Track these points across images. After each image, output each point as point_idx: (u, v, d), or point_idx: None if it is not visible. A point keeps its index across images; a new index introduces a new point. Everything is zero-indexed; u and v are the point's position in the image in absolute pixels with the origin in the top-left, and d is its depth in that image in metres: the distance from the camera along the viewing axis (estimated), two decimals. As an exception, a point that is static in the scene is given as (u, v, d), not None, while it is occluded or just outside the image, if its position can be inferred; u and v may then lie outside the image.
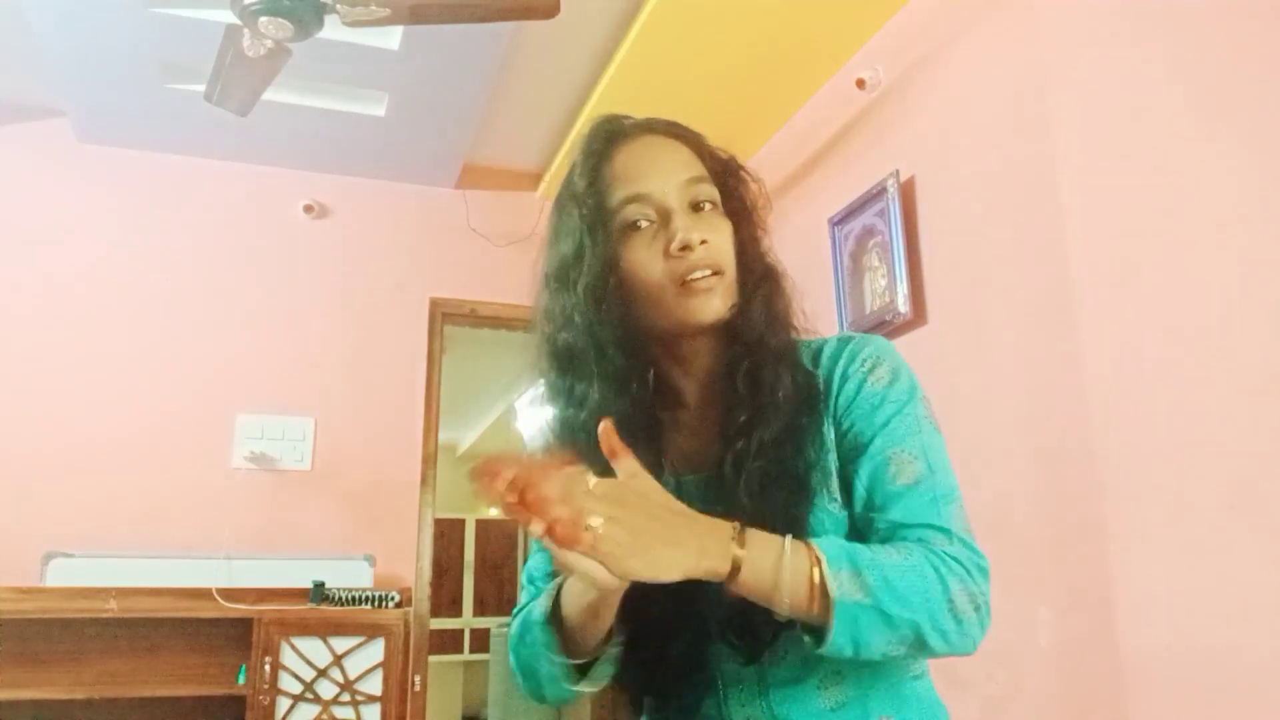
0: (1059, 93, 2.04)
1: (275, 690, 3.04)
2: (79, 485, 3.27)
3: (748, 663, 0.85)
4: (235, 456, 3.46)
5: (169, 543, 3.29)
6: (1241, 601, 1.57)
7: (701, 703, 0.89)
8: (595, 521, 0.69)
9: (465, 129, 3.51)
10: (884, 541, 0.83)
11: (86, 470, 3.29)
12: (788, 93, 3.10)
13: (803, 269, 3.54)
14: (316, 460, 3.55)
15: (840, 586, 0.74)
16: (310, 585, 3.22)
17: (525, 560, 1.07)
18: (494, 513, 8.19)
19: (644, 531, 0.71)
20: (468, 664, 7.47)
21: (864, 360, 0.90)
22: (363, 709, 3.13)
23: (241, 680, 3.06)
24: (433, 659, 3.64)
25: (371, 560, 3.46)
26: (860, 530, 0.86)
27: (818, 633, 0.76)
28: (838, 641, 0.74)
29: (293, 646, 3.10)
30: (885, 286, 2.58)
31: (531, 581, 0.97)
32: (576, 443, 0.88)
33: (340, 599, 3.23)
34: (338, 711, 3.10)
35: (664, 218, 0.89)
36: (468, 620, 7.57)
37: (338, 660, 3.14)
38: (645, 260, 0.88)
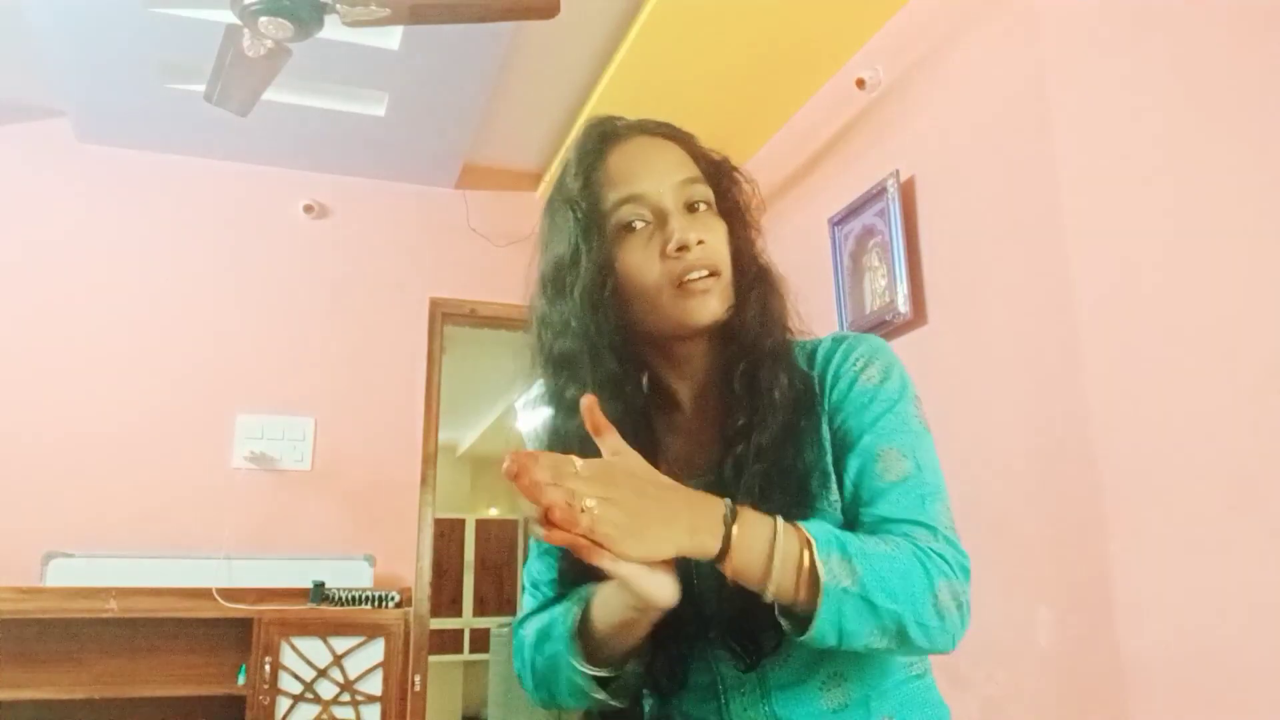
0: (1059, 93, 2.04)
1: (275, 690, 3.04)
2: (79, 485, 3.27)
3: (748, 669, 0.84)
4: (235, 456, 3.46)
5: (169, 543, 3.29)
6: (1241, 601, 1.57)
7: (703, 706, 0.89)
8: (589, 503, 0.68)
9: (465, 129, 3.51)
10: (870, 535, 0.82)
11: (86, 470, 3.29)
12: (788, 93, 3.10)
13: (803, 269, 3.53)
14: (316, 460, 3.55)
15: (830, 571, 0.73)
16: (310, 585, 3.22)
17: (525, 560, 1.06)
18: (494, 512, 8.19)
19: (638, 511, 0.70)
20: (468, 664, 7.47)
21: (857, 359, 0.90)
22: (363, 709, 3.13)
23: (241, 680, 3.06)
24: (433, 659, 3.64)
25: (371, 560, 3.46)
26: (846, 526, 0.86)
27: (798, 619, 0.75)
28: (821, 628, 0.73)
29: (293, 646, 3.11)
30: (885, 286, 2.58)
31: (535, 586, 0.97)
32: (570, 449, 0.88)
33: (340, 599, 3.23)
34: (338, 711, 3.10)
35: (660, 218, 0.88)
36: (468, 620, 7.57)
37: (338, 660, 3.14)
38: (641, 261, 0.87)
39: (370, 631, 3.19)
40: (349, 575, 3.38)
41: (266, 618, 3.09)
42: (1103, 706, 1.81)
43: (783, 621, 0.76)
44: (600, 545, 0.68)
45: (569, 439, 0.88)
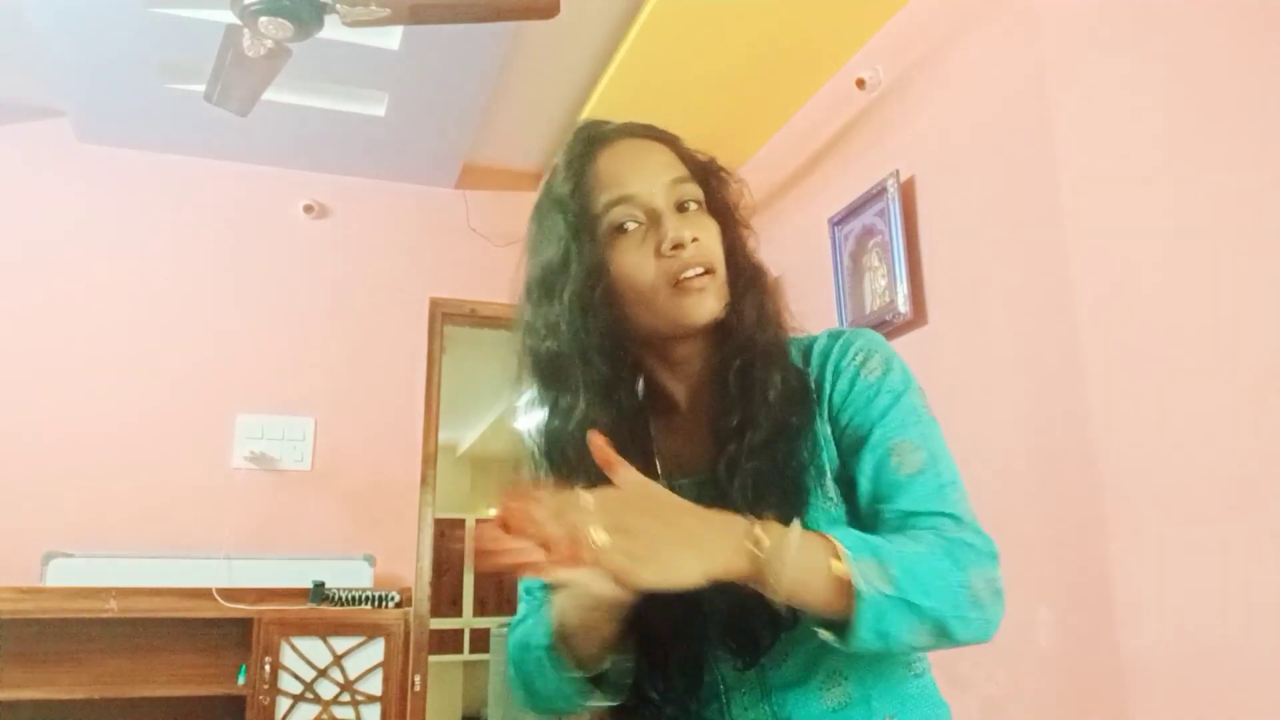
0: (1059, 93, 2.04)
1: (275, 690, 3.04)
2: (79, 485, 3.27)
3: (746, 667, 0.84)
4: (235, 456, 3.46)
5: (169, 543, 3.29)
6: (1241, 601, 1.57)
7: (704, 706, 0.88)
8: (599, 536, 0.67)
9: (465, 129, 3.51)
10: (895, 531, 0.82)
11: (86, 470, 3.29)
12: (788, 93, 3.10)
13: (803, 269, 3.52)
14: (316, 460, 3.55)
15: (865, 577, 0.72)
16: (310, 585, 3.22)
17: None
18: (494, 513, 8.17)
19: (655, 537, 0.69)
20: (468, 664, 7.47)
21: (855, 353, 0.89)
22: (363, 709, 3.13)
23: (241, 680, 3.06)
24: (433, 659, 3.64)
25: (371, 560, 3.46)
26: (867, 523, 0.85)
27: (837, 627, 0.74)
28: (863, 635, 0.72)
29: (293, 646, 3.11)
30: (885, 286, 2.58)
31: (529, 592, 0.97)
32: (565, 456, 0.88)
33: (340, 599, 3.24)
34: (338, 711, 3.10)
35: (652, 218, 0.88)
36: (468, 620, 7.57)
37: (338, 660, 3.14)
38: (636, 262, 0.87)
39: (370, 631, 3.19)
40: (349, 575, 3.38)
41: (266, 618, 3.09)
42: (1103, 706, 1.81)
43: (822, 632, 0.75)
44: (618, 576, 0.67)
45: (564, 445, 0.88)
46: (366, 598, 3.26)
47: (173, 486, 3.36)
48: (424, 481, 3.64)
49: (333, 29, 2.33)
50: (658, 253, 0.86)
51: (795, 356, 0.93)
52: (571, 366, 0.88)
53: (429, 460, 3.67)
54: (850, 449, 0.87)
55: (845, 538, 0.75)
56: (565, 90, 3.36)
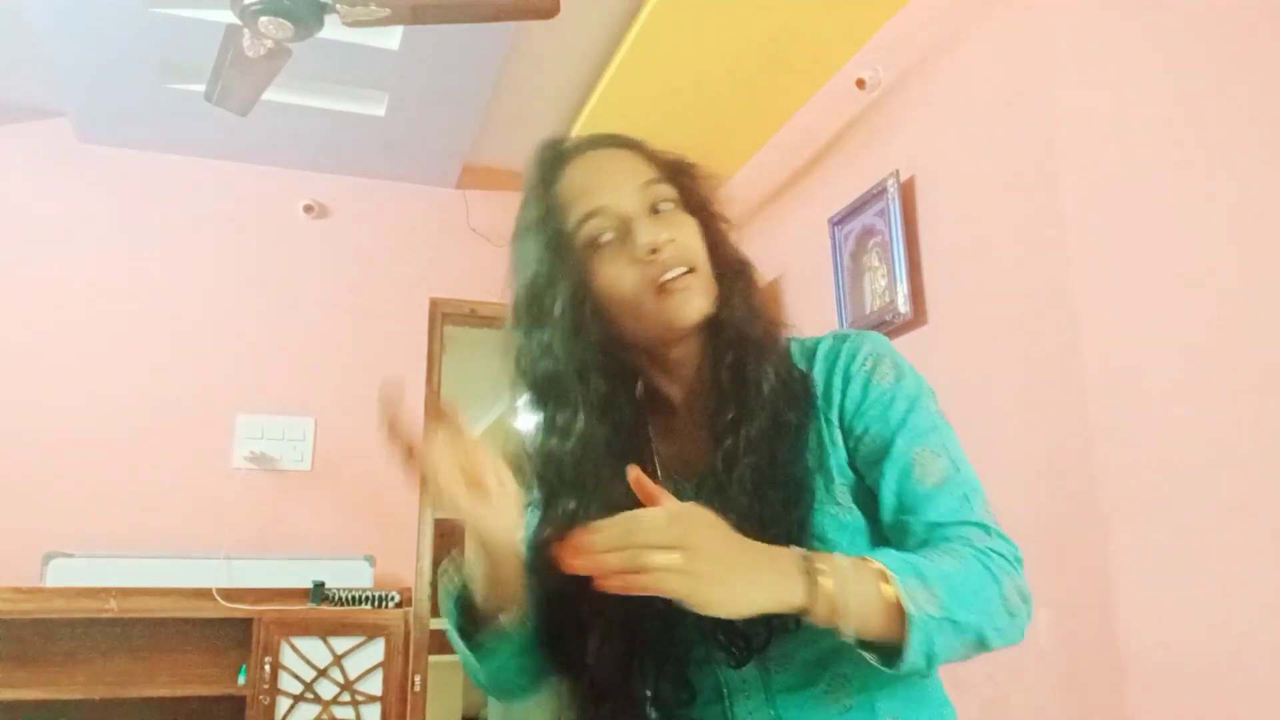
0: (1059, 93, 2.04)
1: (275, 690, 3.04)
2: (79, 485, 3.27)
3: (738, 666, 0.84)
4: (235, 456, 3.46)
5: (169, 543, 3.29)
6: (1241, 602, 1.57)
7: (708, 710, 0.87)
8: (667, 557, 0.66)
9: (465, 129, 3.51)
10: (922, 543, 0.82)
11: (86, 470, 3.29)
12: (788, 93, 3.10)
13: (803, 269, 3.51)
14: (316, 460, 3.55)
15: (914, 600, 0.71)
16: (310, 585, 3.22)
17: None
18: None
19: (723, 560, 0.69)
20: (468, 664, 7.46)
21: (865, 358, 0.88)
22: (363, 709, 3.13)
23: (241, 680, 3.06)
24: (433, 659, 3.63)
25: (371, 560, 3.46)
26: (891, 534, 0.85)
27: (879, 649, 0.74)
28: (913, 657, 0.72)
29: (293, 646, 3.10)
30: (885, 286, 2.58)
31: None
32: (562, 474, 0.87)
33: (340, 599, 3.23)
34: (338, 711, 3.10)
35: (625, 226, 0.86)
36: (468, 620, 7.56)
37: (338, 660, 3.14)
38: (617, 273, 0.86)
39: (370, 631, 3.19)
40: (349, 575, 3.38)
41: (266, 618, 3.09)
42: (1103, 706, 1.81)
43: (867, 655, 0.74)
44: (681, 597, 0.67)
45: (561, 463, 0.87)
46: (366, 598, 3.26)
47: (173, 486, 3.36)
48: (424, 481, 3.63)
49: (333, 29, 2.33)
50: (636, 260, 0.85)
51: (798, 357, 0.92)
52: (568, 384, 0.87)
53: (429, 460, 3.66)
54: (869, 458, 0.86)
55: (888, 560, 0.74)
56: (565, 90, 3.36)
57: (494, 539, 0.79)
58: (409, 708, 3.30)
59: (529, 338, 0.89)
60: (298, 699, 3.07)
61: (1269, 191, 1.57)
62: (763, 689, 0.86)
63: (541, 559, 0.84)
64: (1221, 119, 1.67)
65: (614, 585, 0.68)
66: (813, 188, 3.05)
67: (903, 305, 2.47)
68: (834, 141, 2.94)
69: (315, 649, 3.13)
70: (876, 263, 2.63)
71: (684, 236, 0.87)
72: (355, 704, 3.12)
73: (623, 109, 3.13)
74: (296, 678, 3.09)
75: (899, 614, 0.72)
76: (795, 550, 0.73)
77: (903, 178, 2.54)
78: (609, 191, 0.88)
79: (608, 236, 0.87)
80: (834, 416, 0.88)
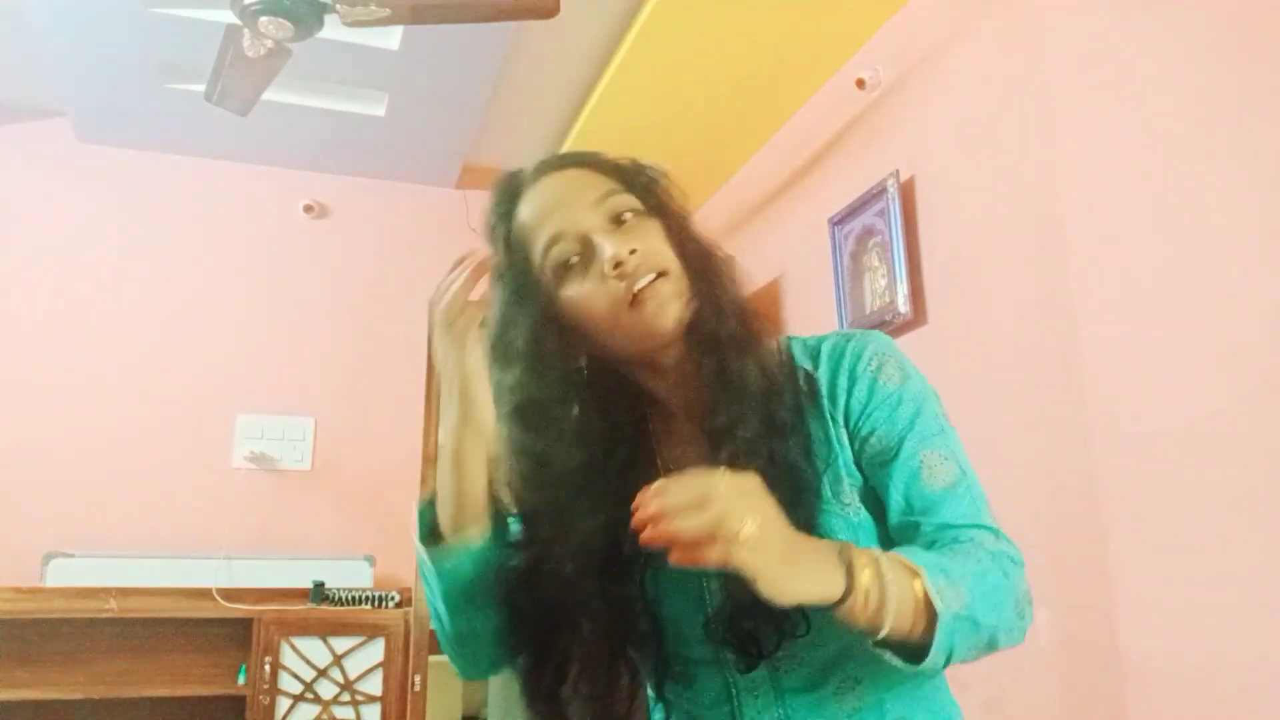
0: (1059, 93, 2.04)
1: (275, 690, 3.04)
2: (79, 485, 3.28)
3: (747, 669, 0.83)
4: (235, 456, 3.46)
5: (169, 543, 3.29)
6: (1242, 602, 1.57)
7: (715, 711, 0.87)
8: (748, 527, 0.65)
9: (465, 129, 3.51)
10: (931, 544, 0.82)
11: (86, 470, 3.29)
12: (788, 93, 3.10)
13: (803, 269, 3.50)
14: (316, 460, 3.55)
15: (943, 599, 0.71)
16: (310, 585, 3.22)
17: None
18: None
19: (788, 539, 0.69)
20: (468, 664, 7.45)
21: (870, 359, 0.88)
22: (363, 709, 3.13)
23: (241, 680, 3.06)
24: (433, 659, 3.63)
25: (371, 560, 3.46)
26: (900, 535, 0.85)
27: (902, 648, 0.73)
28: (935, 657, 0.71)
29: (293, 646, 3.11)
30: (885, 286, 2.58)
31: None
32: (558, 490, 0.86)
33: (340, 599, 3.24)
34: (338, 711, 3.10)
35: (588, 244, 0.86)
36: (468, 620, 7.55)
37: (338, 660, 3.14)
38: (588, 294, 0.85)
39: (370, 631, 3.19)
40: (349, 575, 3.38)
41: (266, 618, 3.09)
42: (1103, 706, 1.81)
43: (885, 655, 0.73)
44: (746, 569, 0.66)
45: (559, 479, 0.86)
46: (366, 598, 3.26)
47: (173, 486, 3.36)
48: (424, 482, 3.63)
49: (333, 29, 2.33)
50: (603, 277, 0.84)
51: (801, 356, 0.91)
52: (556, 412, 0.87)
53: (429, 460, 3.66)
54: (876, 459, 0.86)
55: (916, 557, 0.74)
56: (565, 90, 3.36)
57: (482, 402, 0.82)
58: (409, 708, 3.30)
59: (518, 378, 0.88)
60: (298, 699, 3.07)
61: (1269, 191, 1.57)
62: (771, 690, 0.85)
63: (531, 578, 0.85)
64: (1222, 118, 1.67)
65: (679, 557, 0.66)
66: (813, 188, 3.05)
67: (903, 305, 2.47)
68: (834, 141, 2.94)
69: (315, 649, 3.13)
70: (876, 263, 2.63)
71: (648, 244, 0.86)
72: (355, 704, 3.12)
73: (623, 109, 3.13)
74: (296, 678, 3.09)
75: (925, 612, 0.71)
76: (832, 541, 0.73)
77: (903, 178, 2.54)
78: (565, 212, 0.87)
79: (574, 259, 0.86)
80: (839, 417, 0.87)
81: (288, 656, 3.09)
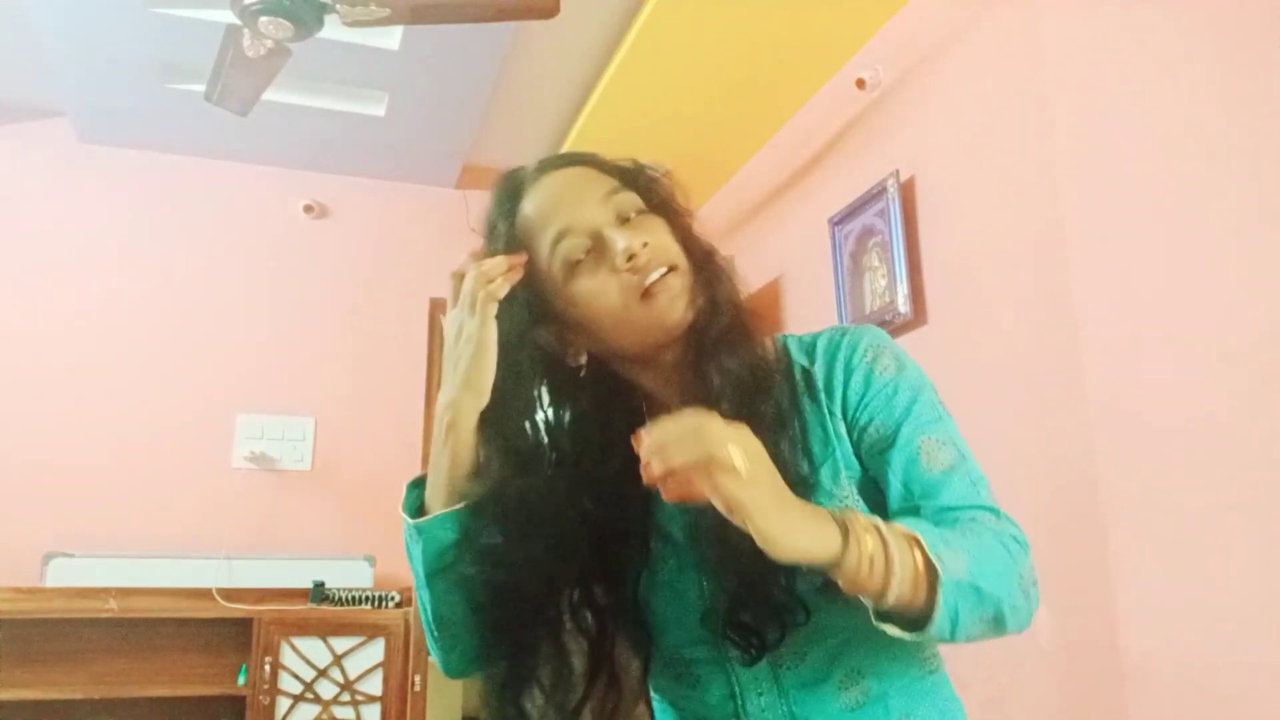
0: (1059, 92, 2.04)
1: (275, 690, 3.04)
2: (79, 485, 3.27)
3: (750, 663, 0.84)
4: (235, 456, 3.46)
5: (169, 543, 3.29)
6: (1242, 602, 1.57)
7: (719, 707, 0.87)
8: (739, 459, 0.66)
9: (465, 129, 3.51)
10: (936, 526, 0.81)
11: (86, 470, 3.29)
12: (788, 93, 3.10)
13: (803, 269, 3.50)
14: (316, 460, 3.55)
15: (944, 564, 0.71)
16: (310, 585, 3.22)
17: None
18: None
19: (778, 485, 0.70)
20: (468, 664, 7.46)
21: (865, 350, 0.89)
22: (363, 709, 3.13)
23: (241, 680, 3.06)
24: (432, 659, 3.63)
25: (371, 560, 3.46)
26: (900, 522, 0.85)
27: (905, 618, 0.73)
28: (940, 622, 0.71)
29: (293, 646, 3.10)
30: (885, 286, 2.58)
31: None
32: (551, 494, 0.86)
33: (340, 599, 3.24)
34: (338, 711, 3.10)
35: (597, 240, 0.86)
36: (468, 620, 7.56)
37: (338, 660, 3.14)
38: (598, 287, 0.85)
39: (370, 631, 3.19)
40: (349, 575, 3.38)
41: (266, 618, 3.09)
42: (1103, 706, 1.81)
43: (887, 627, 0.73)
44: (740, 511, 0.67)
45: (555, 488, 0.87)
46: (366, 598, 3.26)
47: (173, 486, 3.36)
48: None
49: (333, 29, 2.33)
50: (615, 270, 0.85)
51: (797, 353, 0.92)
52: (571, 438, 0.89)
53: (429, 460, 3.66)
54: (874, 448, 0.86)
55: (915, 526, 0.74)
56: (565, 90, 3.36)
57: (488, 374, 0.82)
58: (409, 708, 3.30)
59: (522, 389, 0.89)
60: (298, 699, 3.07)
61: (1269, 191, 1.57)
62: (775, 684, 0.85)
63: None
64: (1221, 118, 1.67)
65: (674, 492, 0.68)
66: (813, 188, 3.05)
67: (903, 305, 2.47)
68: (834, 141, 2.94)
69: (315, 649, 3.13)
70: (876, 263, 2.63)
71: (657, 239, 0.87)
72: (355, 704, 3.12)
73: (623, 109, 3.13)
74: (296, 678, 3.09)
75: (926, 580, 0.71)
76: (825, 509, 0.73)
77: (903, 178, 2.54)
78: (573, 208, 0.87)
79: (583, 254, 0.86)
80: (837, 409, 0.88)
81: (288, 656, 3.09)
